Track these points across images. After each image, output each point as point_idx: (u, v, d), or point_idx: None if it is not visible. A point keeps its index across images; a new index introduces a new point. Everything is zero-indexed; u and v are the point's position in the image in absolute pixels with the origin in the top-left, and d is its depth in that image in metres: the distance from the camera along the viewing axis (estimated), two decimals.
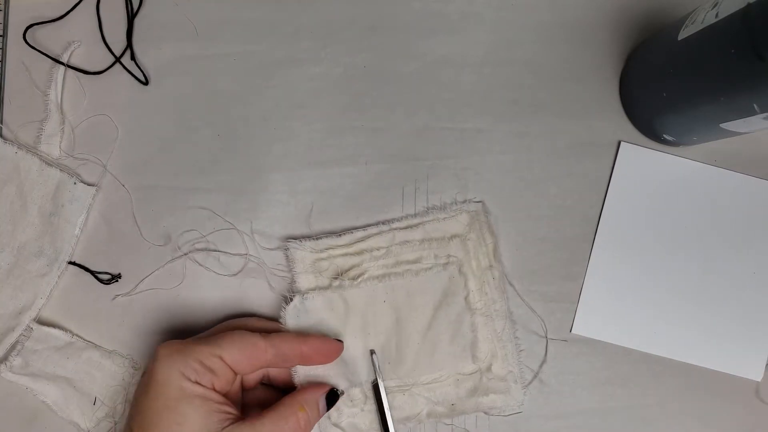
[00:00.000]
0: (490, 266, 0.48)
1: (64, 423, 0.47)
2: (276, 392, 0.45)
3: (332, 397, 0.43)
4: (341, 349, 0.44)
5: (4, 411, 0.47)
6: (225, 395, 0.40)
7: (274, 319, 0.46)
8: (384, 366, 0.46)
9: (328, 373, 0.45)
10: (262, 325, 0.45)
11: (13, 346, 0.46)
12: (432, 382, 0.46)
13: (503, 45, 0.50)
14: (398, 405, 0.46)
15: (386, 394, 0.46)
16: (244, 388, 0.44)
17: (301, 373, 0.44)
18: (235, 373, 0.40)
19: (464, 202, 0.48)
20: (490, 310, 0.47)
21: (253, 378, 0.44)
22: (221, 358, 0.39)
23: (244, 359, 0.40)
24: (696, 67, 0.40)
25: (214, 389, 0.39)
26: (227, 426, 0.38)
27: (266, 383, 0.46)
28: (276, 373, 0.45)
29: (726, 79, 0.37)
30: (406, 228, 0.48)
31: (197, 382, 0.38)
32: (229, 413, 0.39)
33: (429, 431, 0.47)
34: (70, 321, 0.48)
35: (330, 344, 0.43)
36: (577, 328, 0.48)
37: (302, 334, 0.43)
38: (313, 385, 0.44)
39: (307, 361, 0.43)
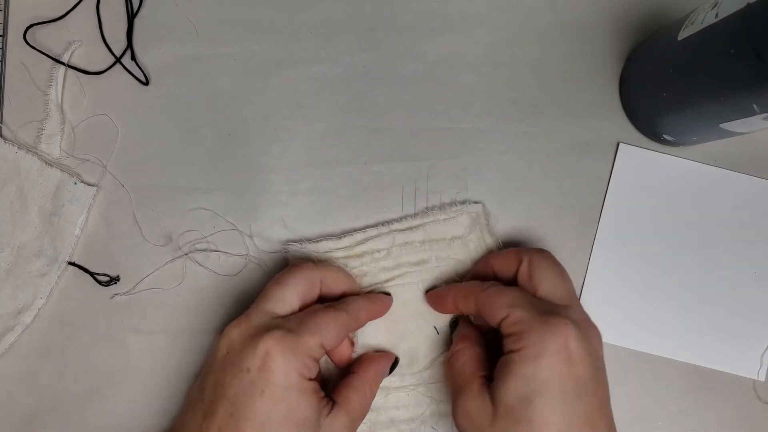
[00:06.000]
0: None
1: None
2: None
3: (393, 365, 0.45)
4: (392, 301, 0.46)
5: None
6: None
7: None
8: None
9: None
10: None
11: (12, 346, 0.46)
12: (437, 381, 0.46)
13: (503, 45, 0.50)
14: (402, 405, 0.46)
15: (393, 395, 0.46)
16: None
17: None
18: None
19: (464, 203, 0.48)
20: None
21: None
22: (322, 346, 0.38)
23: (337, 340, 0.39)
24: (696, 67, 0.40)
25: (317, 379, 0.38)
26: (328, 414, 0.38)
27: None
28: None
29: (726, 79, 0.37)
30: (406, 229, 0.48)
31: (310, 379, 0.37)
32: (324, 398, 0.38)
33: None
34: (69, 321, 0.47)
35: (385, 299, 0.45)
36: None
37: (365, 295, 0.45)
38: (380, 355, 0.45)
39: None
